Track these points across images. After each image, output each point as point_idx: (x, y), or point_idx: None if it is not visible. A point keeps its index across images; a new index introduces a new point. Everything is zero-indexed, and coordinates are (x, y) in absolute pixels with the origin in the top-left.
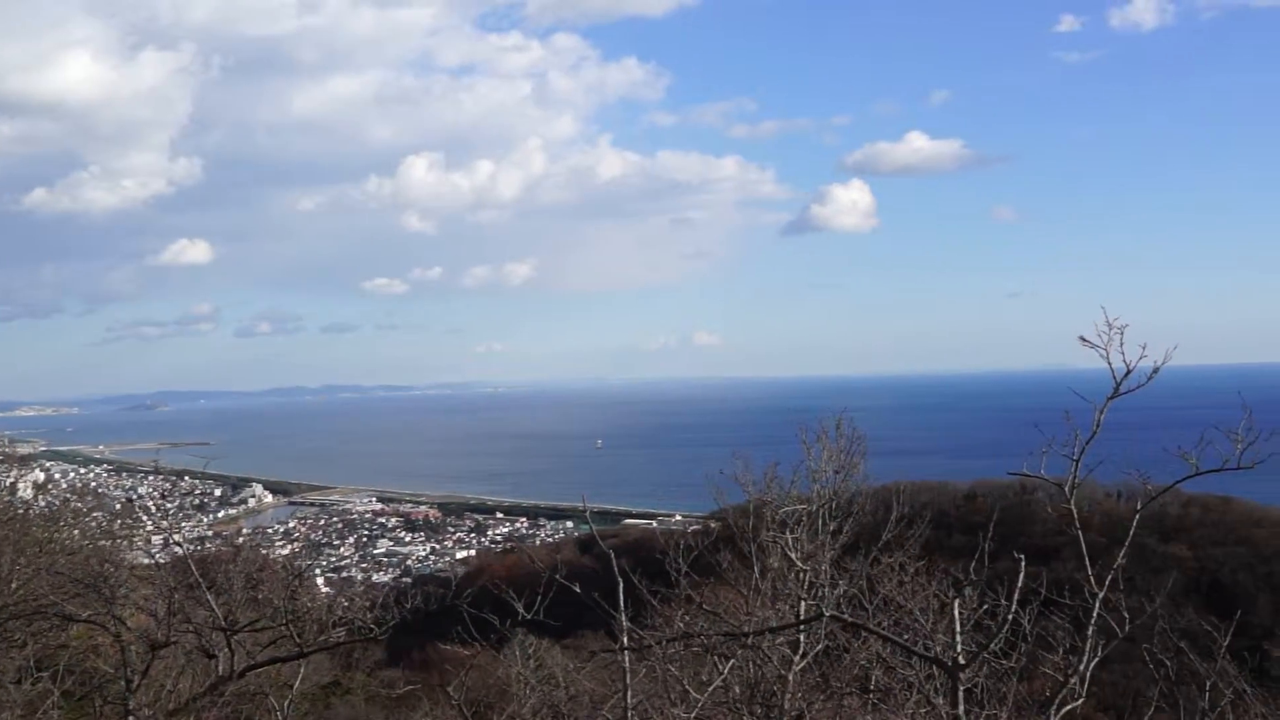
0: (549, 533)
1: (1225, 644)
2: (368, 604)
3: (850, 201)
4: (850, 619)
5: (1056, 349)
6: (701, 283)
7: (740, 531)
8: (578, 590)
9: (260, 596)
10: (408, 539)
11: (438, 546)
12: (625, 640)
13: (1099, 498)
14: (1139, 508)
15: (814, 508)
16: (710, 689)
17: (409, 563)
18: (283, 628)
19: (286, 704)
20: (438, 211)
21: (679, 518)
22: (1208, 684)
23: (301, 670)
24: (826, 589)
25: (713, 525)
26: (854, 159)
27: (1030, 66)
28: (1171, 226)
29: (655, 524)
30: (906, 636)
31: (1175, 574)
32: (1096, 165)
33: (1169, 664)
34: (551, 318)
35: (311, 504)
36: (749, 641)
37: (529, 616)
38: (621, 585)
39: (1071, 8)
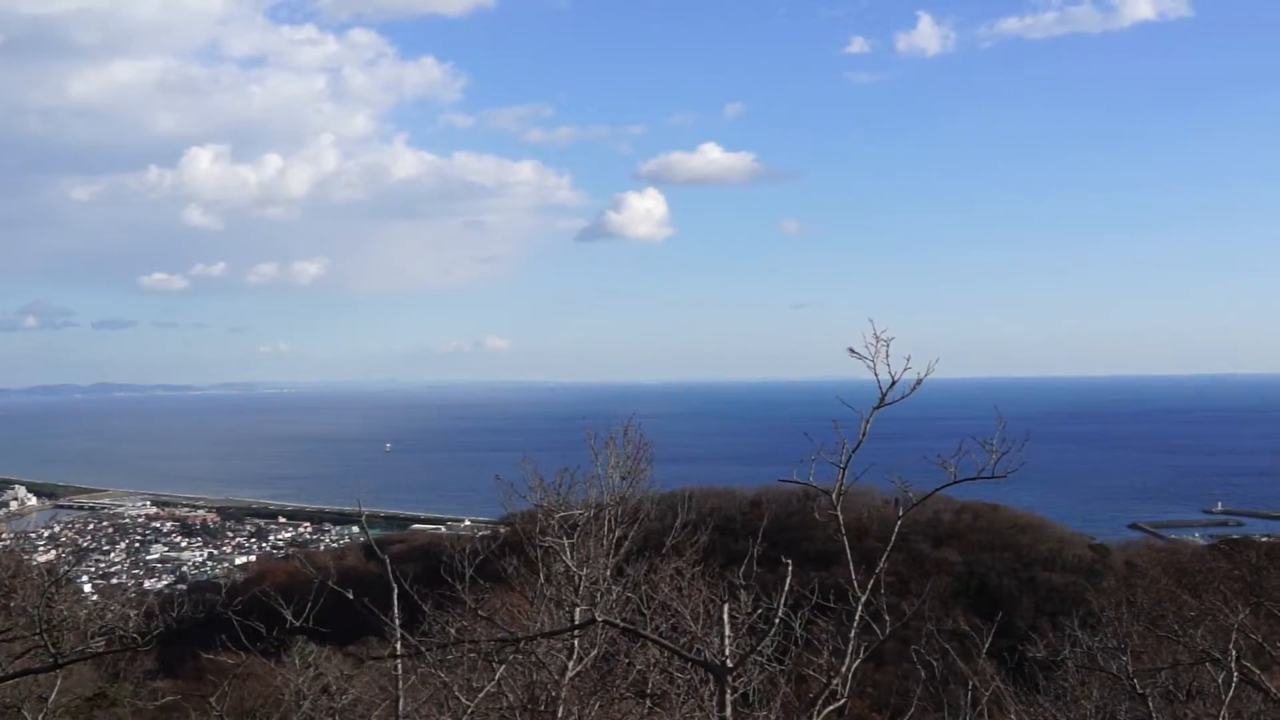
0: (334, 538)
1: (987, 645)
2: (133, 612)
3: (645, 210)
4: (623, 624)
5: (840, 359)
6: (495, 286)
7: (526, 537)
8: (350, 596)
9: (13, 605)
10: (184, 544)
11: (215, 552)
12: (398, 647)
13: (877, 504)
14: (900, 515)
15: (590, 513)
16: (481, 695)
17: (184, 569)
18: (36, 637)
19: (41, 717)
20: (222, 206)
21: (468, 522)
22: (970, 683)
23: (58, 682)
24: (603, 594)
25: (502, 530)
26: (649, 168)
27: (821, 85)
28: (944, 245)
29: (444, 529)
30: (683, 641)
31: (933, 578)
32: (880, 182)
33: (935, 664)
34: (341, 318)
35: (79, 507)
36: (522, 647)
37: (298, 624)
38: (396, 591)
39: (861, 31)
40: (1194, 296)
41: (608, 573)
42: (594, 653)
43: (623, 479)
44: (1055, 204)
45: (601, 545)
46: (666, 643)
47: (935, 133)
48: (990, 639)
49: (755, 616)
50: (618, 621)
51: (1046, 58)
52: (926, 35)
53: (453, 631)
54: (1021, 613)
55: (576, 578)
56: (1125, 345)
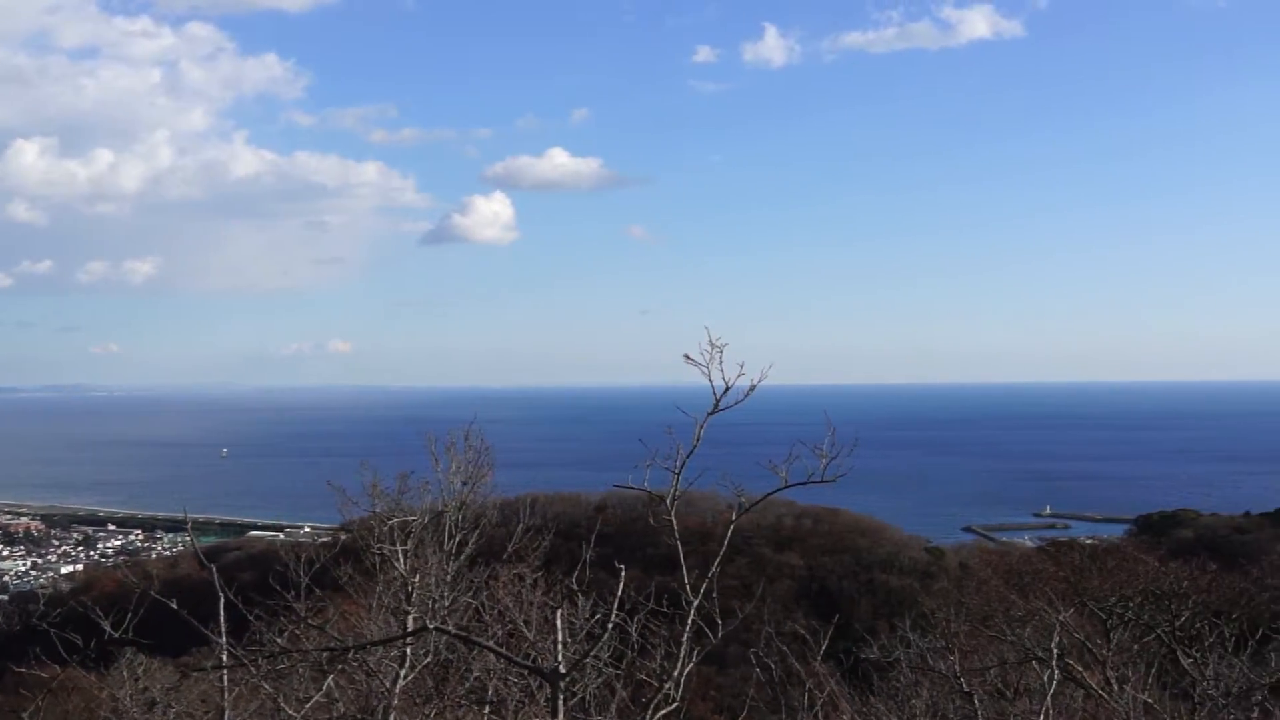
0: (167, 545)
1: (824, 647)
2: None
3: (491, 213)
4: (455, 631)
5: (684, 366)
6: (337, 288)
7: (364, 544)
8: (174, 606)
9: None
10: (5, 553)
11: (40, 561)
12: (223, 657)
13: (721, 509)
14: (734, 519)
15: (423, 518)
16: (309, 705)
17: (5, 579)
18: None
19: None
20: (49, 201)
21: (308, 529)
22: (807, 685)
23: None
24: (437, 601)
25: (342, 537)
26: (496, 171)
27: (668, 93)
28: (789, 253)
29: (282, 536)
30: (525, 646)
31: (774, 581)
32: (726, 190)
33: (774, 667)
34: (177, 319)
35: None
36: (353, 656)
37: (118, 635)
38: (223, 600)
39: (708, 40)
40: (1039, 304)
41: (448, 578)
42: (427, 660)
43: (464, 484)
44: (897, 213)
45: (441, 552)
46: (498, 649)
47: (781, 142)
48: (828, 641)
49: (593, 621)
50: (450, 629)
51: (888, 72)
52: (772, 47)
53: (280, 641)
54: (860, 614)
55: (409, 585)
56: (968, 352)
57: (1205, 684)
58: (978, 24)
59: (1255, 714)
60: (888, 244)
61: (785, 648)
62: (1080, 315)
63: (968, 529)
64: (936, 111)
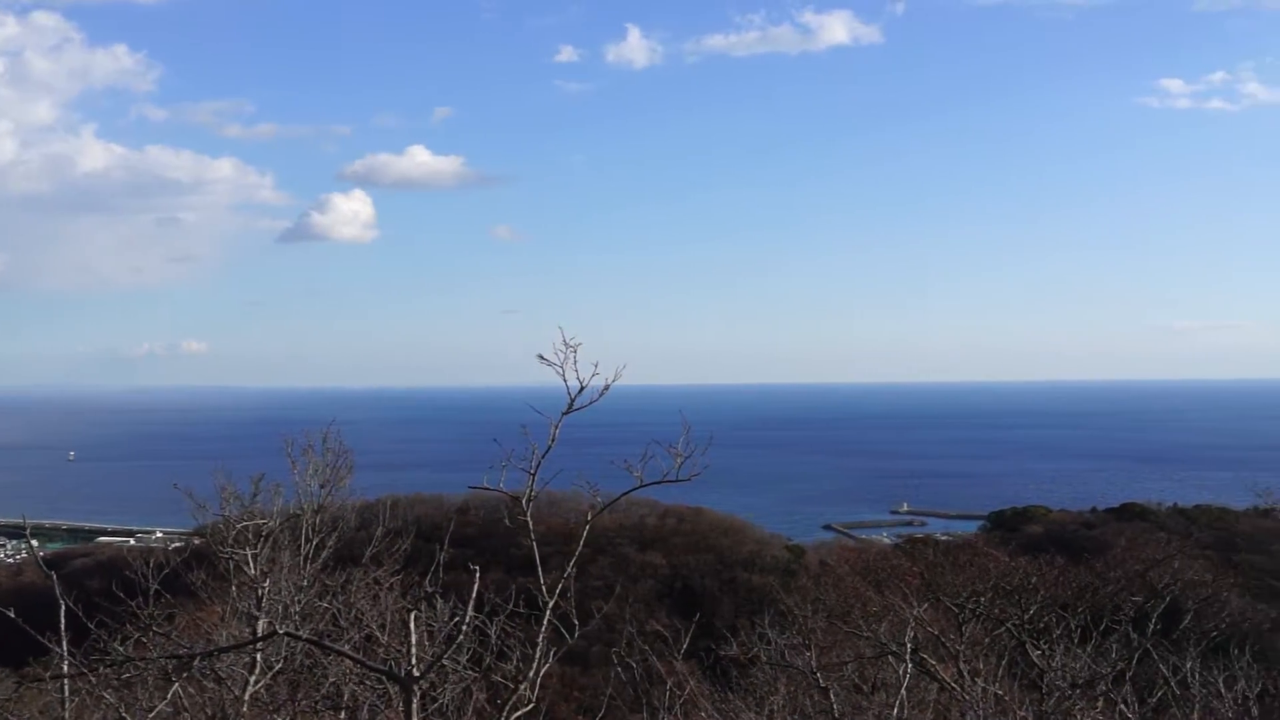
0: (9, 553)
1: (685, 645)
2: None
3: (351, 211)
4: (306, 636)
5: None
6: (191, 287)
7: (217, 548)
8: (12, 614)
9: None
10: None
11: None
12: (65, 667)
13: (584, 509)
14: (588, 519)
15: (276, 522)
16: (153, 714)
17: None
18: None
19: None
20: None
21: (160, 534)
22: (669, 684)
23: None
24: (285, 605)
25: (195, 541)
26: (355, 169)
27: (531, 92)
28: (652, 253)
29: (132, 541)
30: (380, 650)
31: (622, 581)
32: (590, 189)
33: (635, 666)
34: (21, 317)
35: None
36: (201, 663)
37: None
38: (64, 608)
39: (571, 40)
40: (904, 304)
41: (304, 583)
42: (279, 666)
43: (322, 487)
44: (759, 213)
45: (297, 556)
46: (350, 654)
47: (645, 142)
48: (688, 640)
49: (452, 624)
50: (301, 634)
51: (749, 74)
52: (635, 48)
53: (123, 649)
54: (722, 613)
55: (260, 589)
56: (829, 353)
57: (1052, 675)
58: (837, 30)
59: (1100, 703)
60: (750, 243)
61: (647, 647)
62: (942, 316)
63: (828, 527)
64: (797, 114)
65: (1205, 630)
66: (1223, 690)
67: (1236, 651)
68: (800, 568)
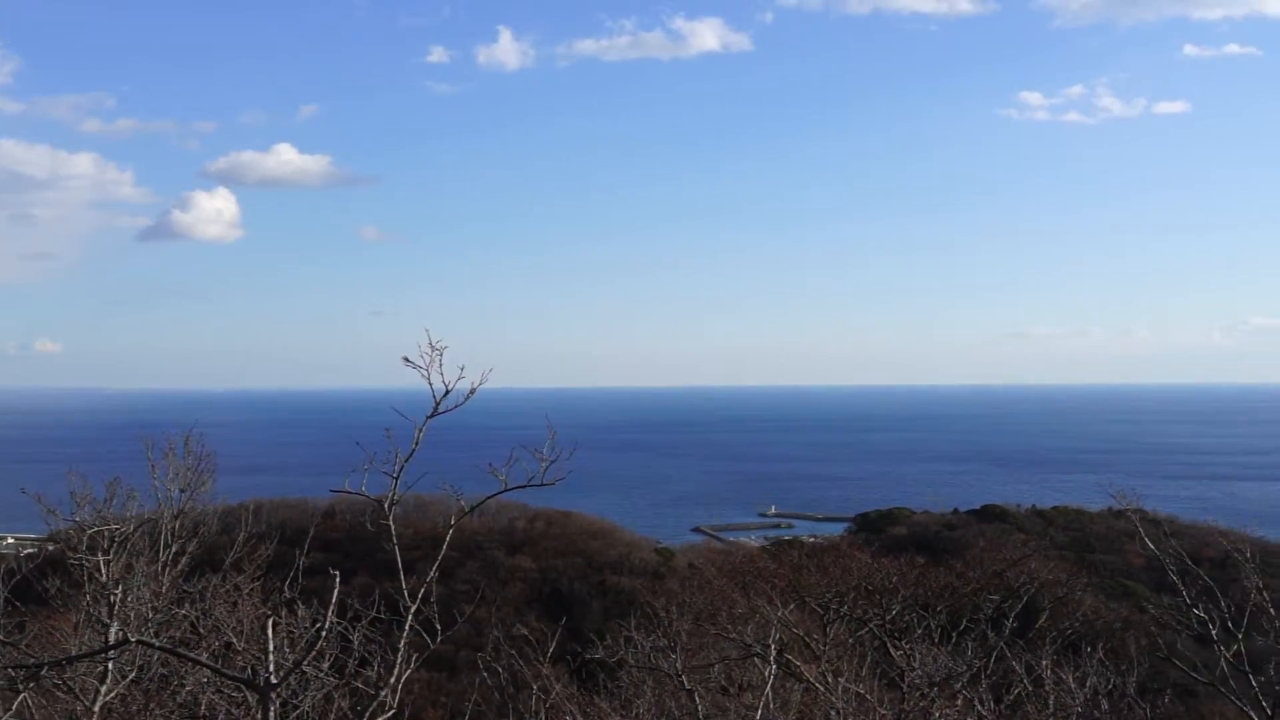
0: None
1: (552, 649)
2: None
3: (215, 210)
4: (160, 644)
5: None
6: (45, 285)
7: (72, 555)
8: None
9: None
10: None
11: None
12: None
13: (454, 513)
14: (451, 524)
15: (130, 528)
16: None
17: None
18: None
19: None
20: None
21: (11, 540)
22: (535, 687)
23: None
24: (144, 612)
25: (49, 548)
26: (219, 166)
27: (401, 92)
28: (522, 254)
29: None
30: (239, 658)
31: (490, 585)
32: (459, 191)
33: (502, 671)
34: None
35: None
36: (45, 672)
37: None
38: None
39: (442, 41)
40: (770, 309)
41: (162, 589)
42: (132, 675)
43: (182, 491)
44: (633, 216)
45: (156, 562)
46: (205, 661)
47: (515, 145)
48: (556, 643)
49: (313, 631)
50: (155, 641)
51: (621, 79)
52: (507, 50)
53: None
54: (591, 616)
55: (113, 597)
56: (700, 356)
57: (912, 674)
58: (708, 36)
59: (958, 701)
60: (621, 245)
61: (514, 651)
62: (810, 320)
63: (697, 529)
64: (668, 118)
65: (1060, 628)
66: (1074, 687)
67: (1089, 649)
68: (669, 570)
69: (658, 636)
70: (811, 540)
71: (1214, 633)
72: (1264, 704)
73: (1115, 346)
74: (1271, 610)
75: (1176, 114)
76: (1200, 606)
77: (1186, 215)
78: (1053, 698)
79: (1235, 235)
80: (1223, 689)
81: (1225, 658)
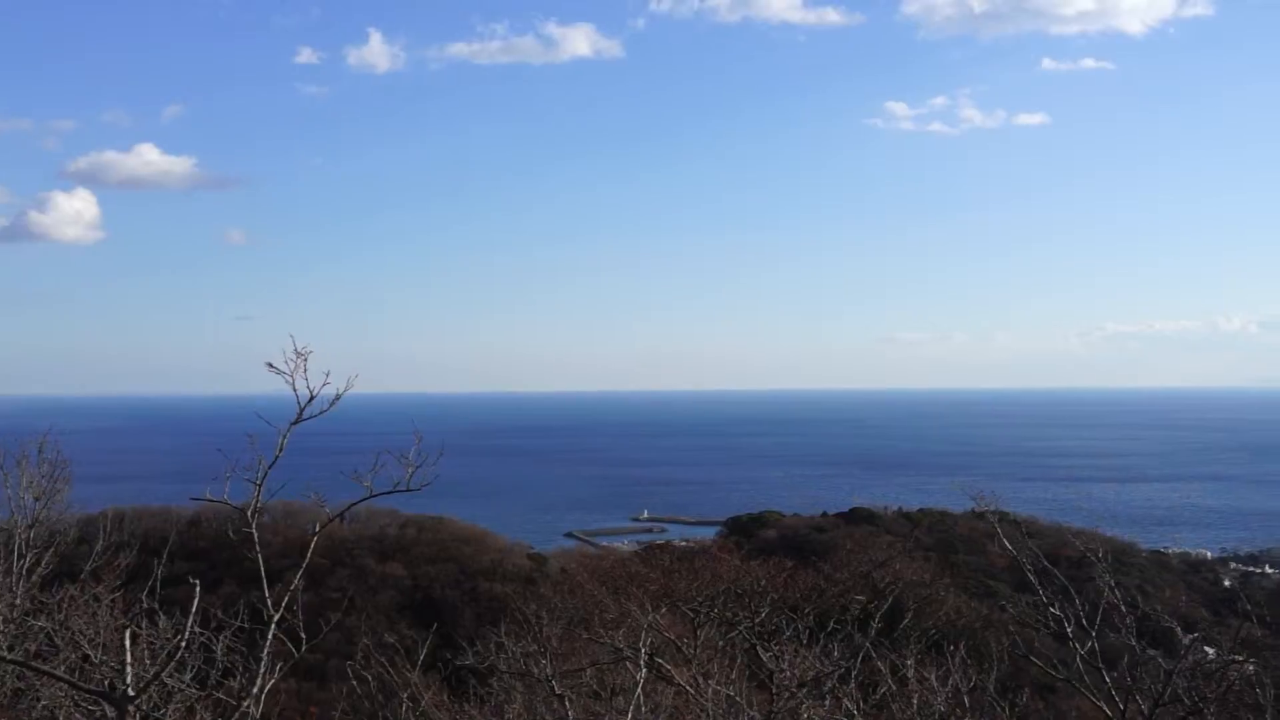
0: None
1: (422, 656)
2: None
3: (74, 211)
4: (13, 657)
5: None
6: None
7: None
8: None
9: None
10: None
11: None
12: None
13: (323, 520)
14: (315, 531)
15: None
16: None
17: None
18: None
19: None
20: None
21: None
22: (404, 696)
23: None
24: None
25: None
26: (79, 166)
27: (268, 93)
28: (391, 259)
29: None
30: (96, 670)
31: (361, 593)
32: (328, 194)
33: (371, 680)
34: None
35: None
36: None
37: None
38: None
39: (311, 42)
40: (640, 314)
41: (18, 600)
42: None
43: (36, 500)
44: (501, 221)
45: (10, 574)
46: (60, 675)
47: (386, 147)
48: (425, 650)
49: (174, 641)
50: (7, 655)
51: (493, 83)
52: (377, 52)
53: None
54: (464, 623)
55: None
56: (573, 360)
57: (781, 675)
58: (579, 42)
59: (826, 702)
60: (491, 249)
61: (385, 659)
62: (681, 325)
63: (569, 535)
64: (541, 123)
65: (924, 628)
66: (936, 686)
67: (952, 648)
68: (542, 576)
69: (528, 642)
70: (684, 544)
71: (1070, 630)
72: (1116, 698)
73: (978, 352)
74: (1123, 608)
75: (1035, 125)
76: (1056, 605)
77: (1045, 224)
78: (917, 696)
79: (1091, 244)
80: (1078, 685)
81: (1080, 655)
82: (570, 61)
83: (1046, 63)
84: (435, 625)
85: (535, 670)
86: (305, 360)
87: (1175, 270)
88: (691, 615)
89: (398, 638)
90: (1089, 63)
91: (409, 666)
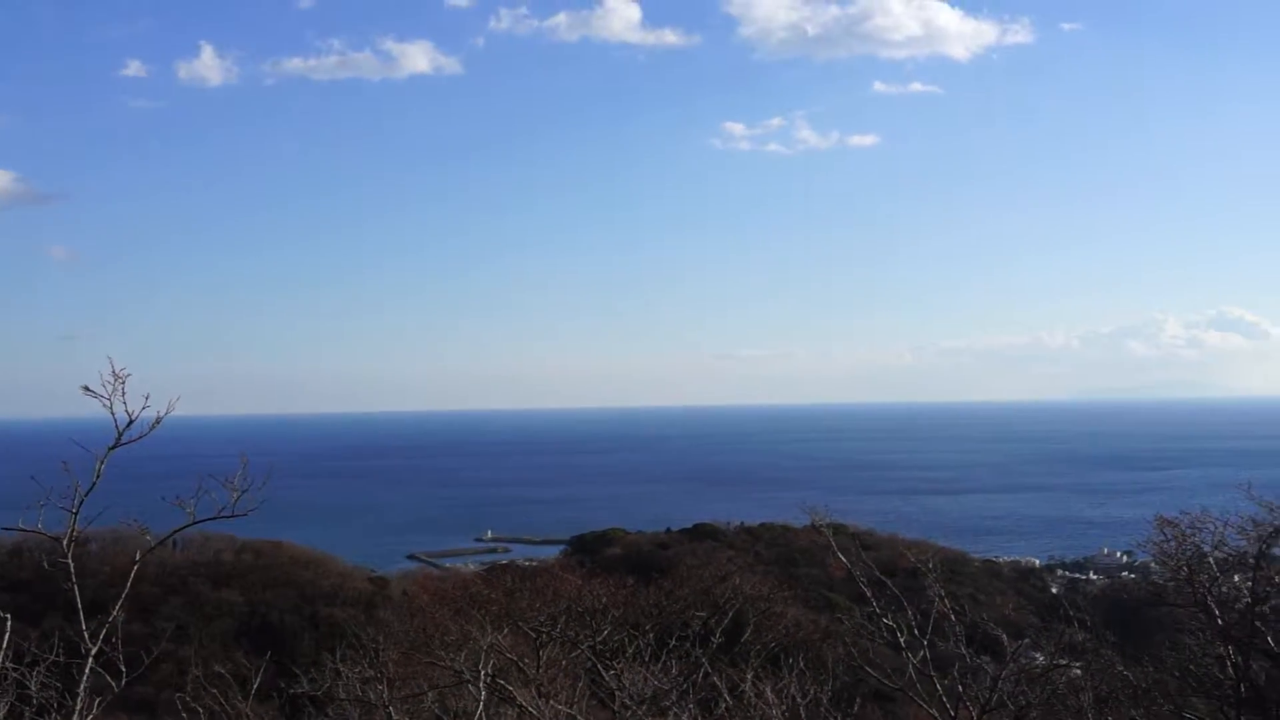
0: None
1: (255, 685)
2: None
3: None
4: None
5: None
6: None
7: None
8: None
9: None
10: None
11: None
12: None
13: (143, 548)
14: (137, 558)
15: None
16: None
17: None
18: None
19: None
20: None
21: None
22: None
23: None
24: None
25: None
26: None
27: (94, 106)
28: (217, 274)
29: None
30: None
31: (195, 621)
32: (155, 210)
33: (202, 711)
34: None
35: None
36: None
37: None
38: None
39: (139, 55)
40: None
41: None
42: None
43: None
44: (336, 238)
45: None
46: None
47: (216, 162)
48: (259, 678)
49: None
50: None
51: (330, 98)
52: (209, 66)
53: None
54: (304, 649)
55: None
56: (416, 381)
57: (622, 693)
58: (418, 59)
59: (668, 718)
60: (326, 267)
61: (218, 690)
62: (520, 344)
63: (412, 556)
64: (378, 139)
65: (765, 642)
66: (773, 699)
67: (791, 661)
68: (383, 599)
69: (364, 667)
70: (529, 564)
71: (903, 640)
72: (947, 705)
73: (818, 367)
74: (953, 617)
75: (868, 146)
76: (889, 615)
77: (878, 242)
78: (755, 710)
79: (922, 261)
80: (910, 693)
81: (913, 664)
82: (409, 78)
83: (877, 85)
84: (270, 653)
85: (373, 696)
86: (124, 382)
87: (1003, 287)
88: (534, 635)
89: (232, 666)
90: (917, 86)
91: (241, 697)
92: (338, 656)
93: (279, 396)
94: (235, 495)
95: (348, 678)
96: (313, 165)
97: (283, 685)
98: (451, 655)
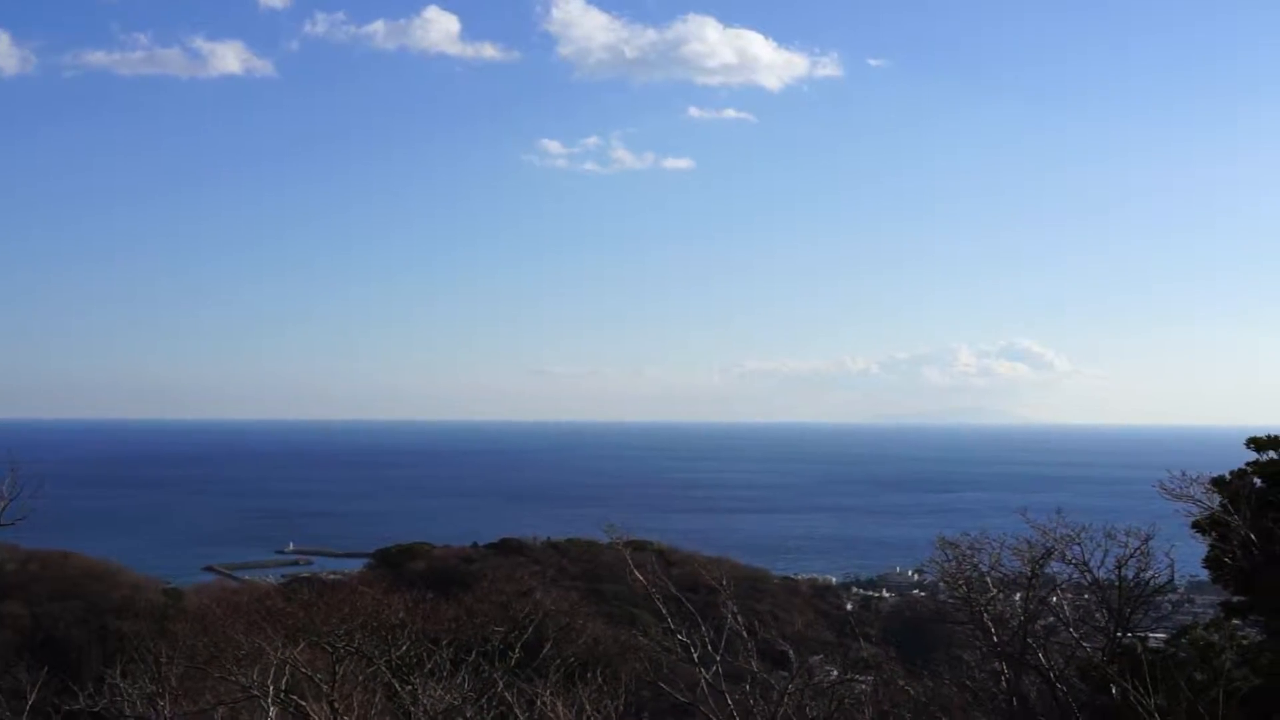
0: None
1: (31, 700)
2: None
3: None
4: None
5: None
6: None
7: None
8: None
9: None
10: None
11: None
12: None
13: None
14: None
15: None
16: None
17: None
18: None
19: None
20: None
21: None
22: None
23: None
24: None
25: None
26: None
27: None
28: (30, 271)
29: None
30: None
31: None
32: None
33: None
34: None
35: None
36: None
37: None
38: None
39: None
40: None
41: None
42: None
43: None
44: (156, 240)
45: None
46: None
47: (12, 156)
48: (44, 695)
49: None
50: None
51: (135, 94)
52: (5, 55)
53: None
54: (91, 664)
55: None
56: (216, 388)
57: (418, 709)
58: (229, 59)
59: None
60: (141, 267)
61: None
62: (343, 355)
63: (209, 569)
64: (189, 138)
65: (564, 657)
66: (564, 713)
67: (591, 675)
68: (177, 612)
69: (146, 683)
70: (332, 577)
71: (696, 655)
72: (738, 718)
73: (629, 385)
74: (745, 633)
75: (682, 169)
76: (683, 631)
77: (690, 264)
78: None
79: (731, 285)
80: (703, 707)
81: (705, 678)
82: (219, 78)
83: (693, 110)
84: (46, 668)
85: (154, 712)
86: None
87: (808, 313)
88: (330, 650)
89: (11, 682)
90: (731, 113)
91: (15, 715)
92: (117, 671)
93: (92, 400)
94: (2, 505)
95: (128, 693)
96: (119, 160)
97: (56, 701)
98: (243, 670)
